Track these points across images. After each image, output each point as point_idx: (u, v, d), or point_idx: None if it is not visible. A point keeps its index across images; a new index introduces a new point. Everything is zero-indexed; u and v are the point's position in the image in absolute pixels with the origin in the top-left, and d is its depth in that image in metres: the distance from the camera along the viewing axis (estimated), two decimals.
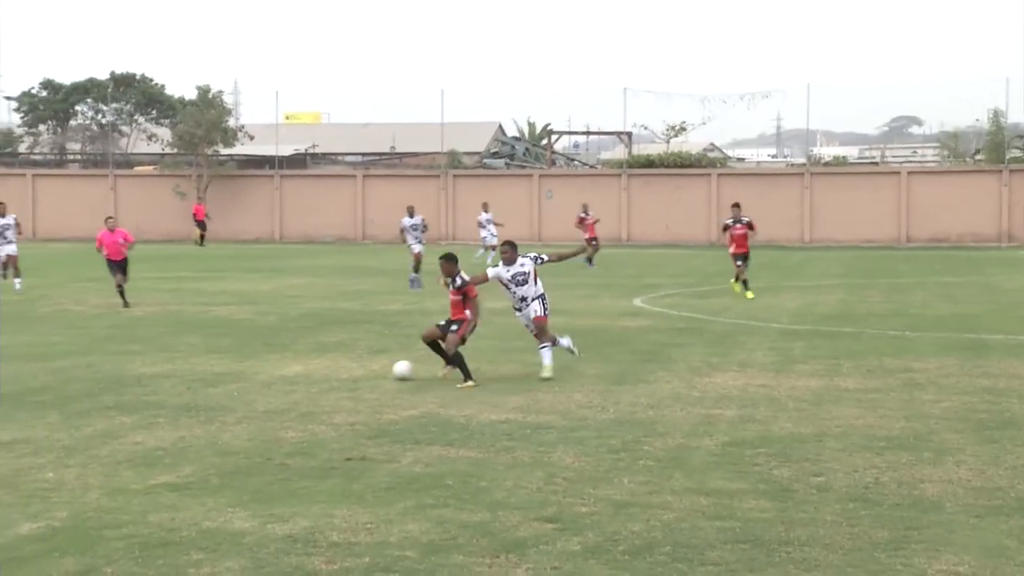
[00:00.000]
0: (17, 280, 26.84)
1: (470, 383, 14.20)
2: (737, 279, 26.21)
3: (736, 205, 27.28)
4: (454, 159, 59.90)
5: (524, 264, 15.30)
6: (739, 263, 26.12)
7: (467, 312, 14.88)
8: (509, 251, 15.42)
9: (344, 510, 8.72)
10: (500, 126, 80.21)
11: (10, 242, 27.52)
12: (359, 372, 15.43)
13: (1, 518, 8.53)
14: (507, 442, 11.12)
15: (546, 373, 14.78)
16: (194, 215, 51.91)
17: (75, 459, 10.42)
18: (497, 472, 9.94)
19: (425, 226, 30.61)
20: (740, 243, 26.18)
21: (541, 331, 15.23)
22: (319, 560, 7.59)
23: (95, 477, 9.77)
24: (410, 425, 11.92)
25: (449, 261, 14.99)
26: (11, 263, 27.26)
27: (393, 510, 8.73)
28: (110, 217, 26.32)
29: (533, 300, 15.28)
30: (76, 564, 7.50)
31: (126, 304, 23.36)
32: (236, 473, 9.93)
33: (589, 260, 35.94)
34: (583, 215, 37.77)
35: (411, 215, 30.51)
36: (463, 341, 14.73)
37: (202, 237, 50.85)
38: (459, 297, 14.90)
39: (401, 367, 14.72)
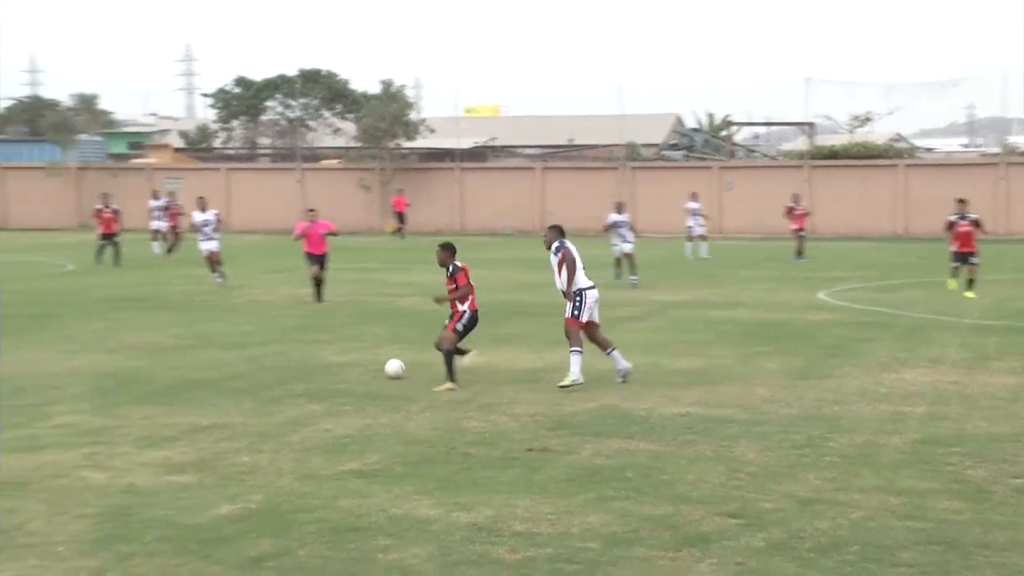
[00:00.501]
0: (218, 275, 26.74)
1: (448, 385, 13.43)
2: (954, 277, 24.97)
3: (962, 200, 25.63)
4: (633, 151, 59.67)
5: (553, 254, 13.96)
6: (955, 264, 25.01)
7: (458, 304, 13.97)
8: (547, 234, 14.22)
9: (526, 500, 8.80)
10: (679, 118, 79.53)
11: (211, 238, 27.40)
12: (538, 364, 15.53)
13: (203, 499, 8.93)
14: (688, 435, 11.04)
15: (564, 381, 13.48)
16: (393, 206, 52.74)
17: (268, 444, 10.80)
18: (678, 465, 9.89)
19: (631, 226, 27.98)
20: (965, 241, 24.72)
21: (566, 334, 13.90)
22: (503, 549, 7.69)
23: (287, 462, 10.11)
24: (590, 417, 11.95)
25: (445, 250, 14.13)
26: (213, 259, 27.11)
27: (574, 501, 8.77)
28: (311, 209, 24.65)
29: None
30: (272, 546, 7.78)
31: (319, 299, 22.86)
32: (421, 461, 10.13)
33: (799, 253, 35.03)
34: (792, 205, 36.57)
35: (619, 211, 28.04)
36: (459, 336, 13.86)
37: (399, 229, 51.46)
38: (452, 286, 13.98)
39: (393, 366, 14.32)
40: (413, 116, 60.01)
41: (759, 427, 11.40)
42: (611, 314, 21.28)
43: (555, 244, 13.92)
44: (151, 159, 63.61)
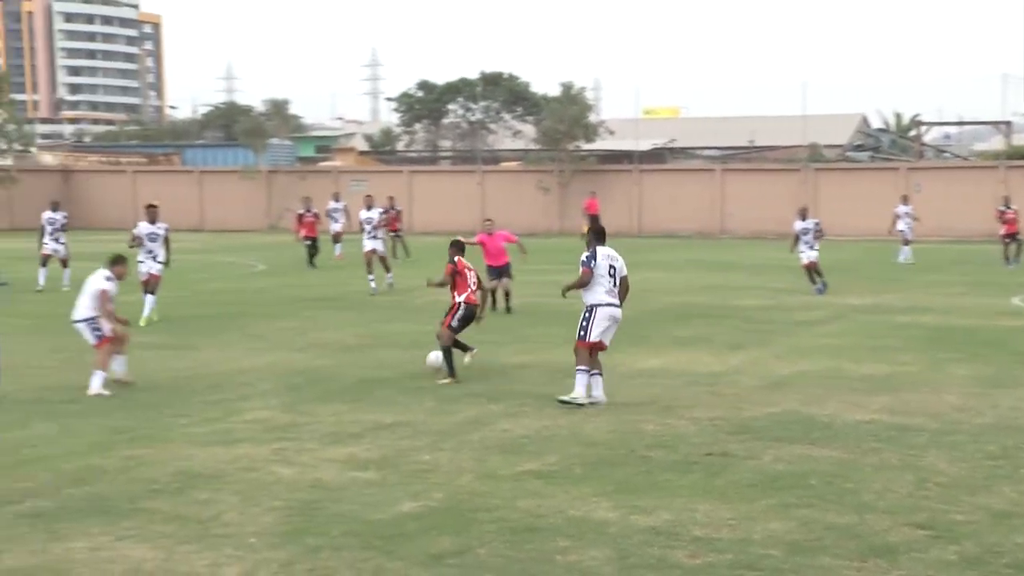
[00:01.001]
0: (388, 278, 26.88)
1: (448, 380, 14.15)
2: None
3: None
4: (816, 152, 58.43)
5: None
6: None
7: (455, 296, 14.82)
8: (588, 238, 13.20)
9: (706, 505, 8.71)
10: (864, 118, 77.64)
11: (374, 237, 27.25)
12: (718, 367, 15.36)
13: (386, 496, 9.12)
14: (873, 443, 10.76)
15: (564, 396, 12.70)
16: (586, 209, 52.83)
17: (448, 443, 10.96)
18: (864, 474, 9.64)
19: (820, 230, 26.44)
20: None
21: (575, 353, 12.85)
22: (682, 553, 7.63)
23: (467, 461, 10.24)
24: (771, 422, 11.75)
25: (452, 246, 15.27)
26: (375, 258, 26.92)
27: (755, 507, 8.64)
28: (488, 219, 24.09)
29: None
30: (452, 544, 7.90)
31: (509, 310, 22.24)
32: (599, 463, 10.13)
33: (1007, 259, 33.51)
34: (1004, 208, 35.08)
35: (803, 218, 26.56)
36: (455, 331, 14.65)
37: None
38: (450, 280, 14.94)
39: (433, 357, 14.81)
40: (593, 118, 60.08)
41: (950, 436, 11.02)
42: (792, 318, 20.90)
43: (585, 255, 12.86)
44: (337, 162, 65.46)
